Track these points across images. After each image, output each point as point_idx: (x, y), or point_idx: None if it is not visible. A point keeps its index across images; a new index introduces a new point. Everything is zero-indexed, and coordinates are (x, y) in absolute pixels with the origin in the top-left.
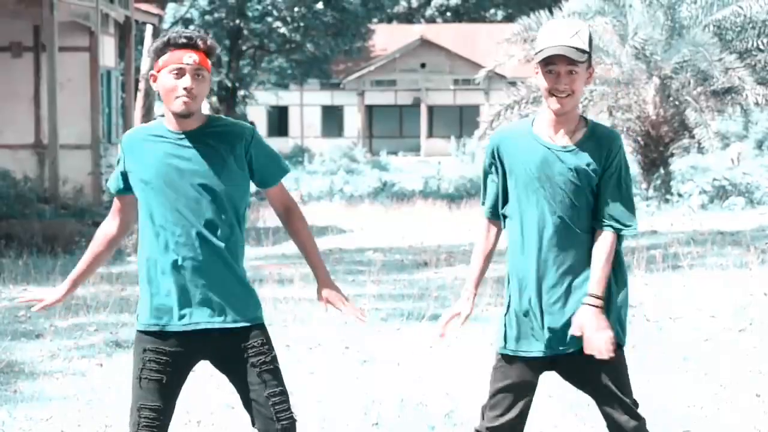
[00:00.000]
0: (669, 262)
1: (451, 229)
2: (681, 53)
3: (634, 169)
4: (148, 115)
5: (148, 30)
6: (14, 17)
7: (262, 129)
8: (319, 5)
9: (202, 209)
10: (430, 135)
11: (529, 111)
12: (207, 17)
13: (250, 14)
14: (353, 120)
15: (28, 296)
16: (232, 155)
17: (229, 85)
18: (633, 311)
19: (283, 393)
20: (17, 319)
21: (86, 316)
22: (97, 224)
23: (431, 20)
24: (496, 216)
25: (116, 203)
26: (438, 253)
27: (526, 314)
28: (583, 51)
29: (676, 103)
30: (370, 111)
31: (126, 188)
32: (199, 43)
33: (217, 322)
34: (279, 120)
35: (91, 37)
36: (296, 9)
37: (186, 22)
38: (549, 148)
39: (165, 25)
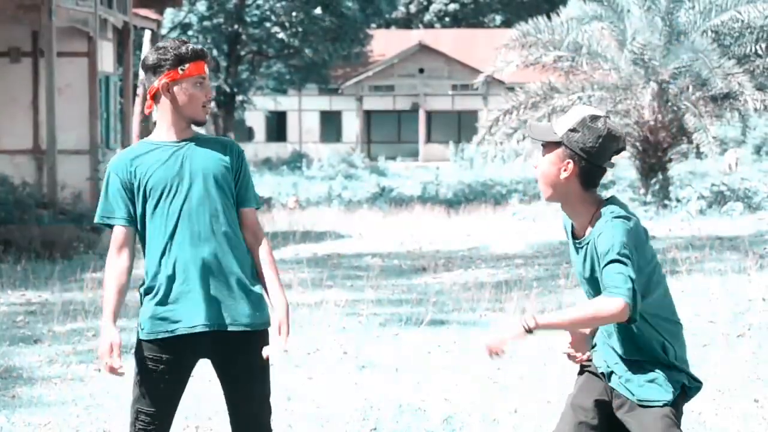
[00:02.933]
0: (667, 268)
1: (449, 234)
2: (679, 59)
3: (632, 174)
4: (146, 120)
5: (147, 35)
6: (13, 23)
7: (260, 134)
8: (318, 10)
9: (206, 214)
10: (429, 140)
11: (527, 116)
12: (205, 23)
13: (248, 19)
14: (352, 125)
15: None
16: (228, 162)
17: (228, 90)
18: None
19: (260, 414)
20: (15, 324)
21: (84, 322)
22: (95, 230)
23: (429, 25)
24: None
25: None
26: (436, 258)
27: None
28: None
29: (675, 108)
30: (369, 116)
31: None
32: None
33: (219, 325)
34: (277, 125)
35: (89, 43)
36: (294, 14)
37: (184, 27)
38: None
39: (163, 31)
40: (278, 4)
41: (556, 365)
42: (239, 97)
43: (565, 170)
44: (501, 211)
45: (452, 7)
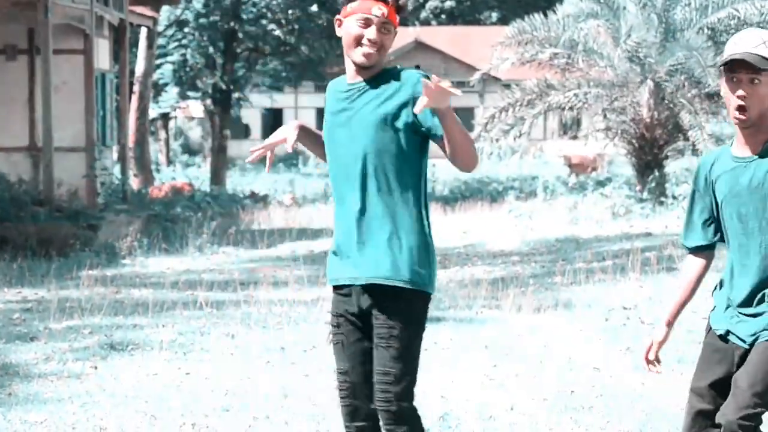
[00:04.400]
0: (663, 265)
1: (445, 231)
2: (675, 56)
3: (629, 171)
4: (142, 117)
5: (143, 33)
6: (9, 20)
7: (256, 131)
8: (314, 7)
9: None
10: None
11: (523, 114)
12: (202, 20)
13: (244, 17)
14: None
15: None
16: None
17: (224, 87)
18: (627, 313)
19: (389, 375)
20: (12, 321)
21: (81, 319)
22: (92, 227)
23: (426, 23)
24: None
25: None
26: None
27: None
28: (767, 59)
29: (671, 105)
30: None
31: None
32: None
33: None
34: (273, 122)
35: (85, 40)
36: (291, 11)
37: (180, 23)
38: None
39: (159, 28)
40: (274, 2)
41: (553, 362)
42: (235, 94)
43: None
44: (497, 209)
45: (448, 4)
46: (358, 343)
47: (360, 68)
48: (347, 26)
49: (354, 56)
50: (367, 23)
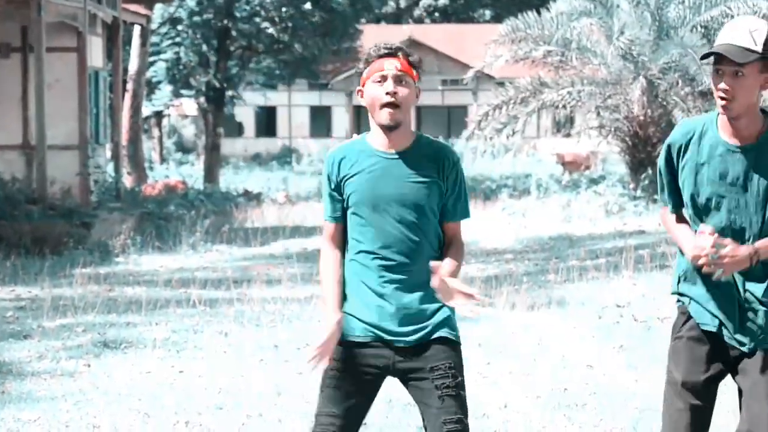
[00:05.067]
0: (657, 262)
1: None
2: (669, 54)
3: (622, 169)
4: (135, 115)
5: (136, 30)
6: (2, 18)
7: (250, 129)
8: (308, 6)
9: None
10: None
11: (517, 112)
12: (195, 18)
13: (238, 15)
14: (341, 120)
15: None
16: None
17: (217, 85)
18: (621, 311)
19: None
20: (5, 319)
21: (74, 317)
22: (85, 225)
23: (419, 21)
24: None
25: None
26: None
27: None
28: (750, 51)
29: (664, 103)
30: (359, 111)
31: None
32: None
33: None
34: (267, 120)
35: (78, 38)
36: (284, 9)
37: (174, 21)
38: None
39: (153, 26)
40: (268, 0)
41: (546, 360)
42: (229, 92)
43: (766, 81)
44: (491, 207)
45: (442, 2)
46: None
47: (387, 130)
48: (367, 91)
49: (379, 118)
50: (383, 79)
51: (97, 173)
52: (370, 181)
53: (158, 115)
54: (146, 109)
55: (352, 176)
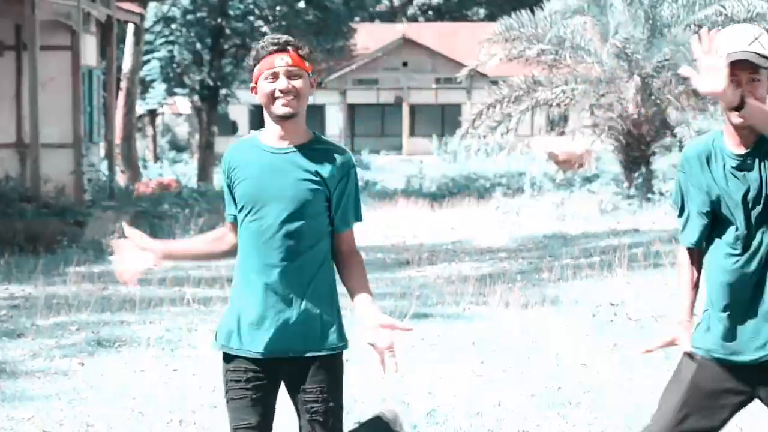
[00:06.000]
0: (651, 261)
1: (433, 228)
2: (662, 52)
3: (616, 167)
4: (129, 113)
5: (130, 29)
6: None
7: (244, 128)
8: (301, 4)
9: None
10: (412, 134)
11: (510, 110)
12: (189, 16)
13: (231, 13)
14: (335, 119)
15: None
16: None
17: (211, 83)
18: (615, 309)
19: None
20: None
21: (68, 315)
22: (79, 224)
23: (413, 19)
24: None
25: None
26: (420, 251)
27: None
28: (765, 57)
29: (658, 101)
30: (352, 110)
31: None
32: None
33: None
34: (260, 119)
35: (72, 36)
36: (278, 8)
37: (168, 20)
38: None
39: (147, 24)
40: None
41: (540, 358)
42: (222, 91)
43: None
44: (484, 205)
45: (436, 0)
46: (268, 397)
47: (282, 120)
48: (260, 88)
49: (274, 110)
50: (275, 76)
51: (90, 172)
52: (253, 178)
53: (152, 114)
54: (140, 108)
55: (240, 173)
